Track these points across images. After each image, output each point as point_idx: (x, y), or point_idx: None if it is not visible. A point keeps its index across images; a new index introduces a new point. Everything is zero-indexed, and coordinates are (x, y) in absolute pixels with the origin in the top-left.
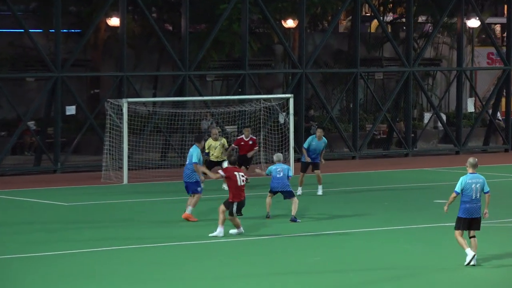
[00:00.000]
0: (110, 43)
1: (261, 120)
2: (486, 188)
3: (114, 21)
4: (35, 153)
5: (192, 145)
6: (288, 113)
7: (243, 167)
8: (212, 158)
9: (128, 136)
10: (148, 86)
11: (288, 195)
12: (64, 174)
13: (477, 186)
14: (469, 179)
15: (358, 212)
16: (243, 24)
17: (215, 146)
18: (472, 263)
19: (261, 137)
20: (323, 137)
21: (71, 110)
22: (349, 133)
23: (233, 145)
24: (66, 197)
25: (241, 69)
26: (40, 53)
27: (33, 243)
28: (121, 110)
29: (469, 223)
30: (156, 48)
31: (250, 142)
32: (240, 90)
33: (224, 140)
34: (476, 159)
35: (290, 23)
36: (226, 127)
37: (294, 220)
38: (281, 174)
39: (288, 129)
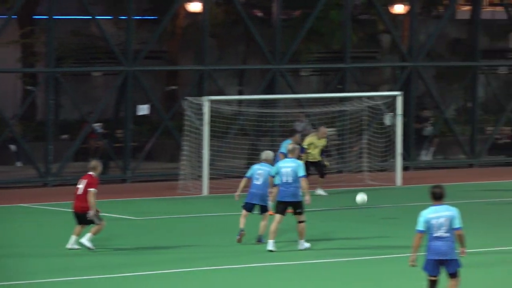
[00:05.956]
0: (189, 32)
1: (364, 122)
2: None
3: (194, 6)
4: (101, 159)
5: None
6: (395, 114)
7: None
8: (310, 157)
9: (210, 140)
10: (233, 82)
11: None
12: (134, 184)
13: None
14: None
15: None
16: (345, 9)
17: (316, 145)
18: None
19: (364, 141)
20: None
21: (143, 110)
22: (466, 137)
23: None
24: (138, 210)
25: (341, 62)
26: (109, 44)
27: (102, 266)
28: (202, 109)
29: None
30: (243, 38)
31: None
32: (340, 86)
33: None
34: None
35: (399, 9)
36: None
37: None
38: (261, 180)
39: (395, 132)
